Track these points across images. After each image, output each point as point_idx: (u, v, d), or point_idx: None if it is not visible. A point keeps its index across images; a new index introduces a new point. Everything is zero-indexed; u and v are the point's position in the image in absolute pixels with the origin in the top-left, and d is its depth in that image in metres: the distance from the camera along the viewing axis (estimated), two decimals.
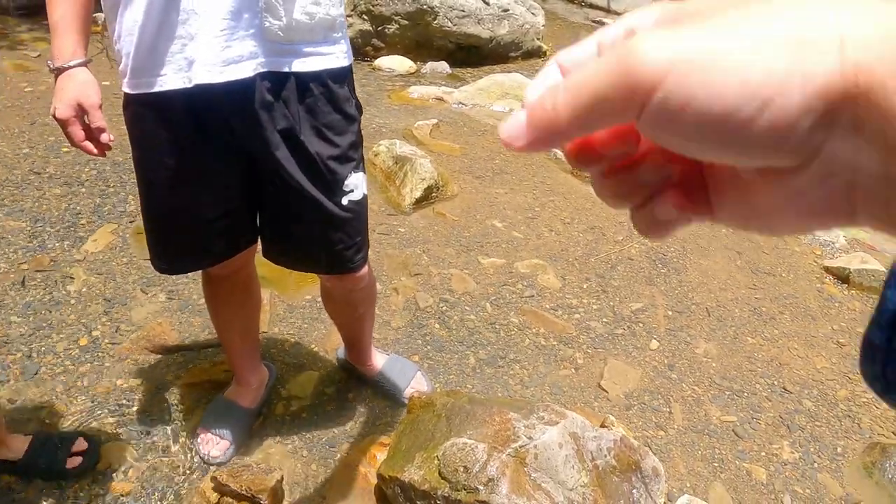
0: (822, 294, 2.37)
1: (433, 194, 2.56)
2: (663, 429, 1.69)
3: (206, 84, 0.96)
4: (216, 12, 0.94)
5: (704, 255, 2.51)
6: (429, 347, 1.85)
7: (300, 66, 1.02)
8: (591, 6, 6.92)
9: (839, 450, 1.70)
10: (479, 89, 3.69)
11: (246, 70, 0.97)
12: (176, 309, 1.84)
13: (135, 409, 1.54)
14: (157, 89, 0.99)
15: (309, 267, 1.28)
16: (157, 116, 1.04)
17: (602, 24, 6.29)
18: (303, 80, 1.03)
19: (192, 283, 1.93)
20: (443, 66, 4.16)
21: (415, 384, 1.66)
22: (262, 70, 0.99)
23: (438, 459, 1.19)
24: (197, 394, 1.59)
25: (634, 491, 1.22)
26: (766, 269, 2.48)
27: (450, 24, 4.14)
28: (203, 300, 1.87)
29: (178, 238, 1.18)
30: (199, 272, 1.35)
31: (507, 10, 4.41)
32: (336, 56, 1.06)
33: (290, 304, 1.93)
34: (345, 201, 1.14)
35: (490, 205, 2.64)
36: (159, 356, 1.68)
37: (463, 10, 4.16)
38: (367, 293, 1.42)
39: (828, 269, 2.49)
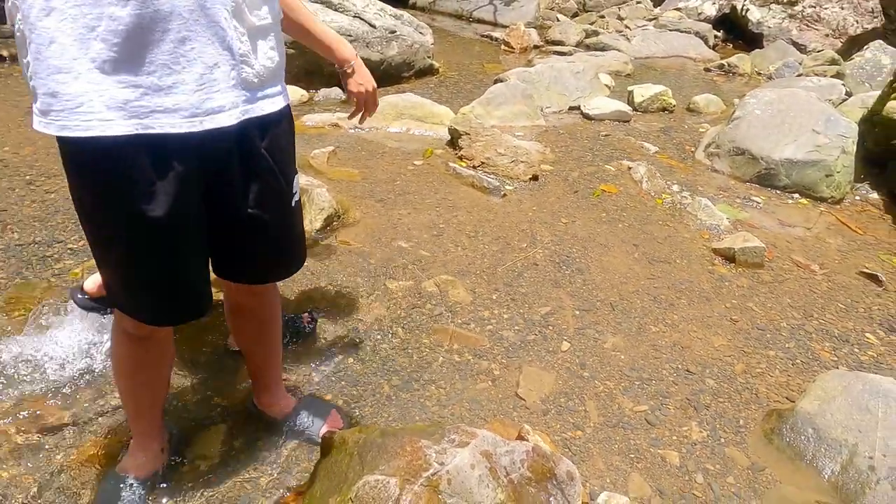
0: (713, 275, 2.52)
1: (334, 223, 2.52)
2: (580, 428, 1.73)
3: (182, 133, 0.97)
4: (194, 68, 0.95)
5: (604, 252, 2.61)
6: (343, 383, 1.80)
7: (269, 106, 1.11)
8: (479, 21, 7.13)
9: (741, 422, 1.80)
10: None
11: (229, 119, 1.01)
12: (63, 381, 1.69)
13: (19, 500, 1.39)
14: (110, 133, 0.93)
15: (269, 272, 1.35)
16: (116, 163, 0.97)
17: (490, 38, 6.49)
18: (269, 118, 1.12)
19: None
20: (336, 92, 4.13)
21: (330, 423, 1.61)
22: (242, 117, 1.04)
23: (352, 501, 1.15)
24: (91, 471, 1.46)
25: (552, 499, 1.23)
26: (662, 257, 2.61)
27: None
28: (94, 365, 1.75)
29: (160, 292, 1.14)
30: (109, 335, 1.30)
31: (395, 31, 4.45)
32: (287, 93, 1.18)
33: (192, 359, 1.82)
34: (292, 203, 1.27)
35: (394, 227, 2.62)
36: (44, 437, 1.54)
37: (349, 35, 4.15)
38: (279, 303, 1.51)
39: (716, 251, 2.66)
